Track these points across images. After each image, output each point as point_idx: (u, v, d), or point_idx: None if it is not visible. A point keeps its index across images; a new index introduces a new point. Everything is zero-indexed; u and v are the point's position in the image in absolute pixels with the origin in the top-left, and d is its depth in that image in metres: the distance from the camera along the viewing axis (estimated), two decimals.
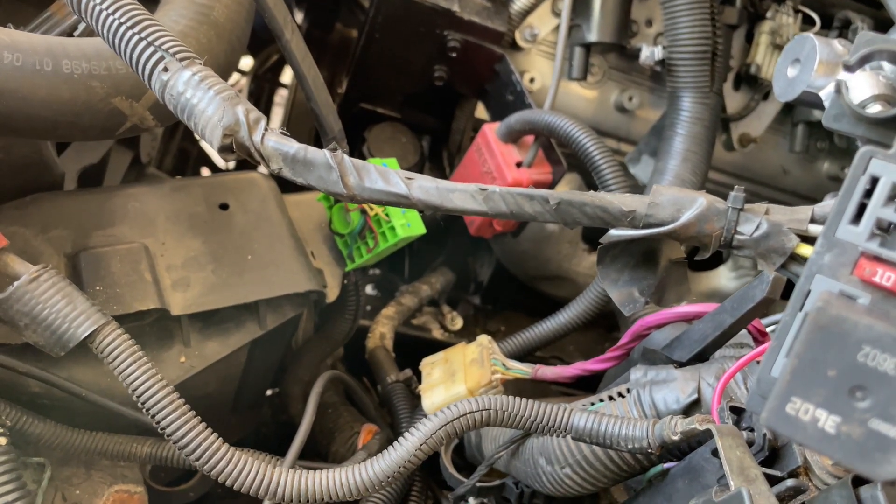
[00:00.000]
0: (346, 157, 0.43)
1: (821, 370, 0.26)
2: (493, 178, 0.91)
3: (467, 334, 1.18)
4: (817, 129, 1.10)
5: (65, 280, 0.51)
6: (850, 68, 0.32)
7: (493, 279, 1.19)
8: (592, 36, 0.96)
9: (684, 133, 0.93)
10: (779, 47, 1.04)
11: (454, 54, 0.95)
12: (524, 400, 0.53)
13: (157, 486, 0.83)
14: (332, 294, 0.78)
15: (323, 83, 0.63)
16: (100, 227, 0.68)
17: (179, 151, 1.42)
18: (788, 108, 1.10)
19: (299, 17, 1.37)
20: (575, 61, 0.99)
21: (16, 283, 0.48)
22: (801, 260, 0.35)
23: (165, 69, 0.45)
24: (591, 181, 0.88)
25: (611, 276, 0.38)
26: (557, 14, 1.01)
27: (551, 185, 0.92)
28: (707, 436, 0.45)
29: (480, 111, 1.08)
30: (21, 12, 0.66)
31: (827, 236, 0.30)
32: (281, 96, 1.69)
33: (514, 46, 1.02)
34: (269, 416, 1.08)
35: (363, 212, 0.76)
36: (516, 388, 0.74)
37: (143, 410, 0.50)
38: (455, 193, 0.40)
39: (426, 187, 0.41)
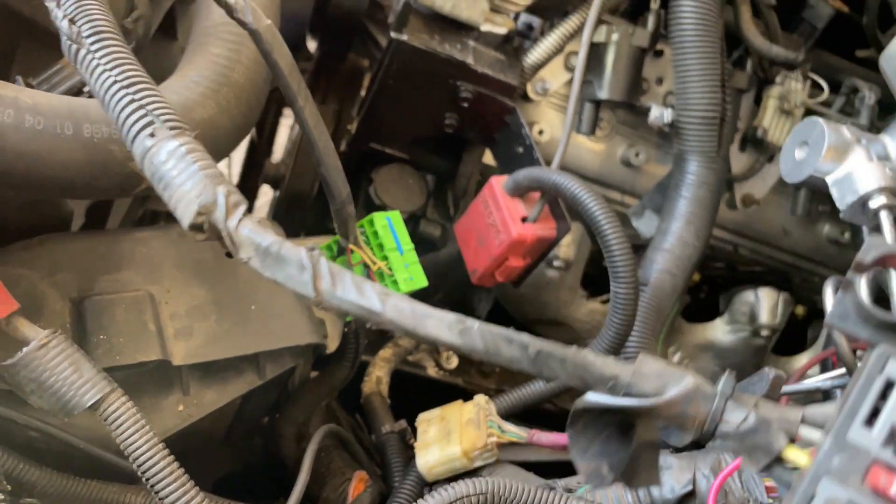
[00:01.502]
0: (322, 259, 0.41)
1: None
2: (498, 231, 0.92)
3: (462, 373, 1.18)
4: (820, 194, 1.11)
5: (73, 346, 0.51)
6: (861, 269, 0.30)
7: (490, 319, 1.19)
8: (603, 94, 0.97)
9: (689, 196, 0.94)
10: (786, 112, 1.05)
11: (466, 104, 0.96)
12: (521, 485, 0.53)
13: None
14: (333, 345, 0.79)
15: (333, 150, 0.64)
16: (106, 271, 0.68)
17: None
18: None
19: (313, 45, 1.37)
20: (585, 116, 1.00)
21: (24, 350, 0.48)
22: (787, 464, 0.33)
23: (152, 135, 0.44)
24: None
25: (580, 444, 0.36)
26: (570, 69, 1.02)
27: (555, 242, 0.92)
28: None
29: (488, 157, 1.09)
30: (37, 57, 0.66)
31: (837, 437, 0.28)
32: (288, 113, 1.69)
33: (526, 98, 1.02)
34: (259, 449, 1.08)
35: (365, 266, 0.77)
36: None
37: (138, 471, 0.51)
38: (430, 320, 0.39)
39: (401, 308, 0.39)
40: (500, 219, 0.92)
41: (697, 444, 0.58)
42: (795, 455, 0.32)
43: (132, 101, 0.45)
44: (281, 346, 0.72)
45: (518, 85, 0.96)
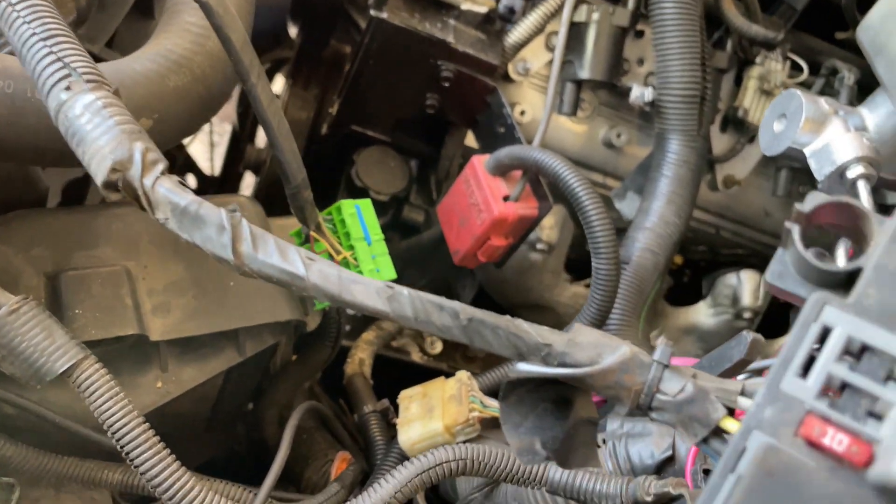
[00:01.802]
0: (244, 221, 0.39)
1: None
2: (480, 210, 0.91)
3: (446, 358, 1.18)
4: (800, 174, 1.12)
5: (45, 312, 0.50)
6: (799, 219, 0.29)
7: (475, 304, 1.19)
8: (584, 73, 0.97)
9: (670, 175, 0.94)
10: (766, 93, 1.05)
11: (447, 84, 0.96)
12: (500, 452, 0.53)
13: None
14: (313, 323, 0.78)
15: (289, 130, 0.62)
16: (82, 247, 0.67)
17: (166, 155, 1.41)
18: None
19: (294, 31, 1.36)
20: (566, 96, 1.00)
21: None
22: (725, 436, 0.32)
23: (68, 88, 0.42)
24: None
25: (513, 420, 0.35)
26: (551, 49, 1.02)
27: (537, 221, 0.92)
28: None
29: (470, 139, 1.09)
30: None
31: (771, 387, 0.26)
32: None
33: (507, 78, 1.02)
34: (243, 434, 1.07)
35: (330, 255, 0.75)
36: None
37: (117, 445, 0.50)
38: (357, 286, 0.37)
39: (326, 273, 0.38)
40: (481, 198, 0.91)
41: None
42: (734, 426, 0.31)
43: (49, 52, 0.42)
44: (260, 323, 0.71)
45: (499, 64, 0.96)
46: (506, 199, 0.91)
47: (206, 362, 0.71)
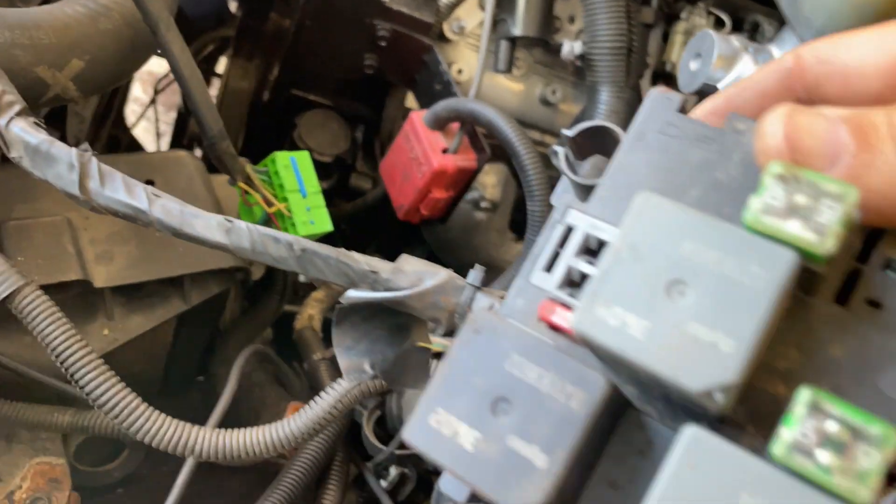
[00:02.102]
0: (94, 160, 0.41)
1: (468, 378, 0.25)
2: (420, 164, 0.94)
3: None
4: None
5: None
6: (572, 143, 0.34)
7: None
8: (517, 30, 1.00)
9: None
10: None
11: (383, 43, 0.98)
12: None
13: (82, 467, 0.83)
14: (258, 272, 0.80)
15: (202, 80, 0.63)
16: (23, 200, 0.68)
17: (109, 138, 1.41)
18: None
19: (234, 5, 1.37)
20: (500, 54, 1.03)
21: None
22: None
23: None
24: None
25: (345, 343, 0.37)
26: (484, 8, 1.05)
27: (476, 172, 0.95)
28: None
29: (411, 100, 1.11)
30: None
31: (521, 280, 0.30)
32: (216, 87, 1.69)
33: (443, 38, 1.05)
34: (197, 402, 1.08)
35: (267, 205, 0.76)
36: None
37: (63, 370, 0.51)
38: (198, 220, 0.39)
39: (169, 208, 0.40)
40: (421, 151, 0.94)
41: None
42: None
43: None
44: (204, 269, 0.73)
45: (434, 23, 0.98)
46: (445, 151, 0.94)
47: (152, 310, 0.73)
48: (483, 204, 1.14)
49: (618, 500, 0.26)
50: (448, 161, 0.92)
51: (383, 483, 0.74)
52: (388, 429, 0.76)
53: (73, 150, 0.42)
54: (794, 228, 0.23)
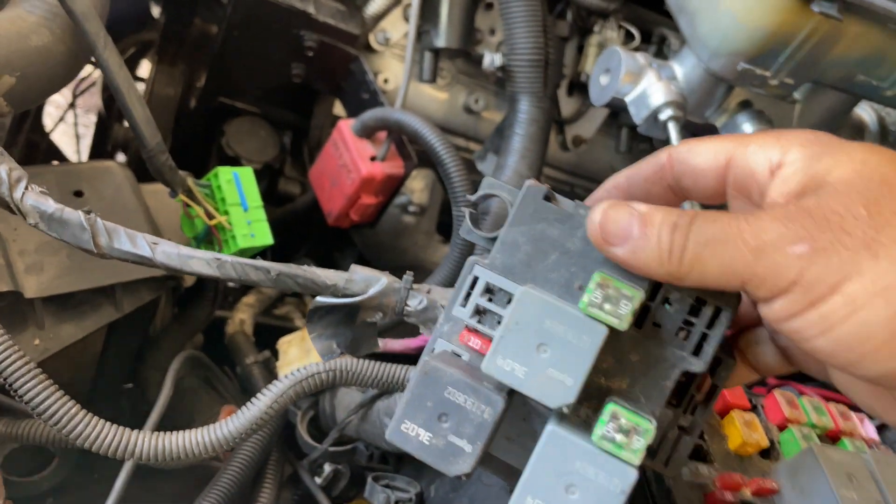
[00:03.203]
0: (98, 220, 0.49)
1: (423, 402, 0.40)
2: (349, 171, 0.97)
3: None
4: (639, 133, 1.24)
5: None
6: (473, 206, 0.46)
7: None
8: (440, 42, 1.04)
9: (522, 133, 1.03)
10: None
11: (311, 53, 1.01)
12: (368, 361, 0.59)
13: (11, 477, 0.82)
14: (189, 279, 0.81)
15: (139, 96, 0.66)
16: None
17: (27, 143, 1.38)
18: (614, 114, 1.23)
19: (157, 11, 1.36)
20: (425, 65, 1.07)
21: None
22: None
23: None
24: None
25: (317, 331, 0.48)
26: (408, 19, 1.09)
27: (403, 178, 0.99)
28: None
29: (339, 108, 1.14)
30: None
31: (447, 313, 0.43)
32: (139, 90, 1.66)
33: (369, 49, 1.08)
34: (127, 409, 1.08)
35: (209, 217, 0.78)
36: None
37: (2, 379, 0.52)
38: (193, 260, 0.48)
39: (168, 252, 0.48)
40: (350, 159, 0.97)
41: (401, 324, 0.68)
42: None
43: None
44: (135, 278, 0.74)
45: (360, 34, 1.02)
46: (373, 159, 0.97)
47: (83, 319, 0.73)
48: (411, 208, 1.18)
49: (512, 448, 0.44)
50: (376, 168, 0.96)
51: (318, 480, 0.76)
52: (321, 427, 0.79)
53: (80, 213, 0.48)
54: (605, 315, 0.37)
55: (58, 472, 0.86)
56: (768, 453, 0.54)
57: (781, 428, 0.56)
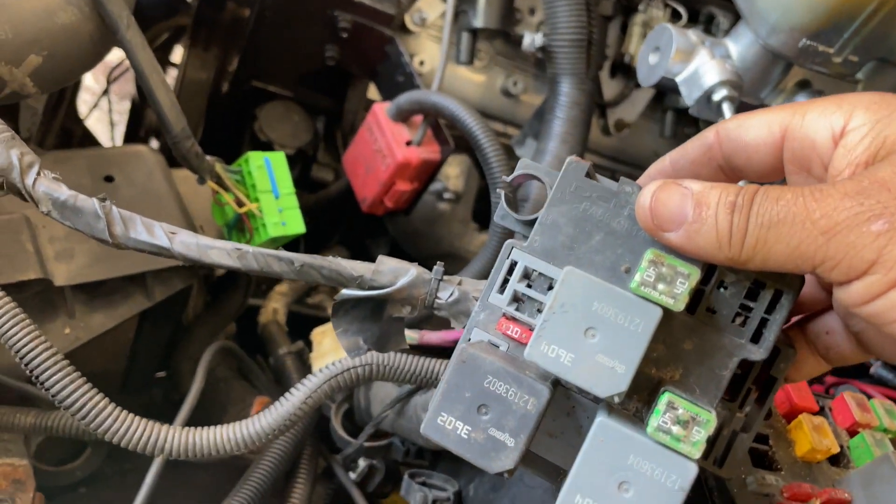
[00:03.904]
0: (114, 208, 0.46)
1: (461, 393, 0.37)
2: (384, 156, 0.94)
3: None
4: (685, 116, 1.19)
5: None
6: (506, 186, 0.42)
7: None
8: (478, 22, 1.01)
9: (563, 116, 0.99)
10: None
11: (345, 35, 0.98)
12: (404, 355, 0.57)
13: (44, 466, 0.81)
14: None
15: (164, 80, 0.63)
16: None
17: (62, 130, 1.37)
18: (659, 96, 1.18)
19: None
20: (462, 46, 1.03)
21: None
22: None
23: None
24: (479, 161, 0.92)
25: (342, 326, 0.45)
26: None
27: (439, 164, 0.96)
28: None
29: (373, 92, 1.11)
30: None
31: (482, 301, 0.40)
32: (172, 76, 1.65)
33: (404, 29, 1.05)
34: (159, 398, 1.07)
35: (239, 204, 0.75)
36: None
37: (28, 372, 0.51)
38: (213, 250, 0.45)
39: (187, 242, 0.45)
40: (385, 144, 0.94)
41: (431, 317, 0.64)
42: None
43: None
44: (166, 266, 0.72)
45: (395, 14, 0.98)
46: (408, 143, 0.94)
47: (114, 308, 0.72)
48: (446, 195, 1.15)
49: (555, 445, 0.41)
50: (412, 153, 0.93)
51: (352, 475, 0.74)
52: (355, 421, 0.77)
53: (95, 200, 0.45)
54: (659, 295, 0.35)
55: (90, 462, 0.85)
56: (837, 460, 0.50)
57: (851, 433, 0.52)
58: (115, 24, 0.59)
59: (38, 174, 0.46)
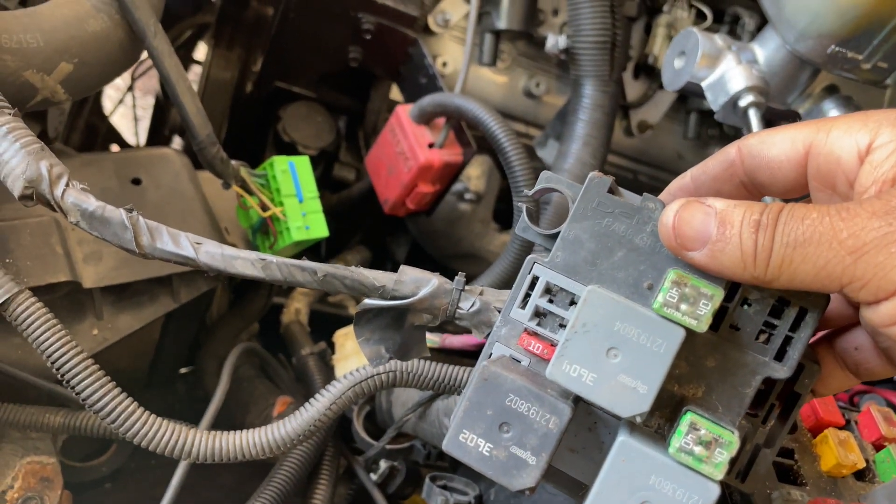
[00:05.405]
0: (141, 218, 0.46)
1: (482, 410, 0.37)
2: (407, 159, 0.94)
3: None
4: (708, 118, 1.18)
5: None
6: (528, 199, 0.43)
7: (409, 258, 1.23)
8: (501, 23, 1.00)
9: (585, 119, 0.99)
10: None
11: (368, 36, 0.98)
12: (428, 362, 0.57)
13: (70, 462, 0.83)
14: None
15: (190, 87, 0.64)
16: (9, 199, 0.68)
17: (87, 127, 1.39)
18: (682, 98, 1.18)
19: None
20: (485, 47, 1.03)
21: None
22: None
23: None
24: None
25: (365, 335, 0.45)
26: (468, 1, 1.05)
27: (462, 166, 0.96)
28: None
29: (395, 93, 1.11)
30: None
31: (504, 315, 0.41)
32: (195, 73, 1.67)
33: (428, 31, 1.05)
34: (183, 394, 1.08)
35: (263, 208, 0.76)
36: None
37: (59, 376, 0.51)
38: (238, 260, 0.45)
39: (212, 253, 0.45)
40: (407, 146, 0.94)
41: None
42: None
43: None
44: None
45: (418, 16, 0.98)
46: (431, 146, 0.94)
47: (141, 309, 0.73)
48: (467, 195, 1.15)
49: (576, 460, 0.41)
50: (434, 156, 0.93)
51: (373, 476, 0.75)
52: (377, 423, 0.77)
53: (122, 211, 0.46)
54: (682, 316, 0.35)
55: (116, 458, 0.86)
56: (863, 475, 0.50)
57: (877, 447, 0.51)
58: (143, 31, 0.60)
59: (67, 185, 0.47)
